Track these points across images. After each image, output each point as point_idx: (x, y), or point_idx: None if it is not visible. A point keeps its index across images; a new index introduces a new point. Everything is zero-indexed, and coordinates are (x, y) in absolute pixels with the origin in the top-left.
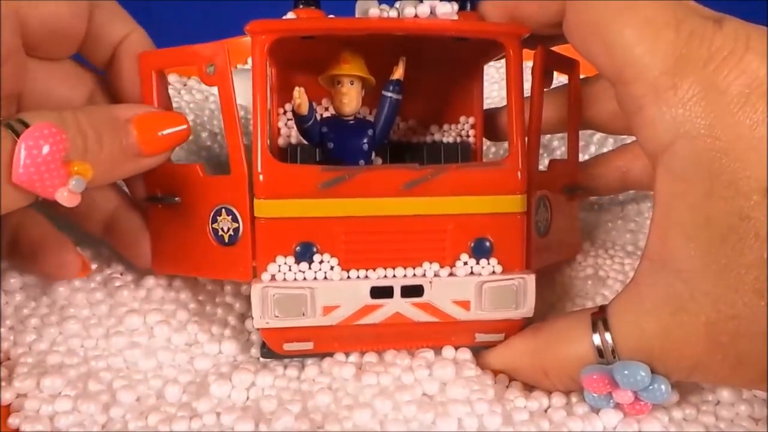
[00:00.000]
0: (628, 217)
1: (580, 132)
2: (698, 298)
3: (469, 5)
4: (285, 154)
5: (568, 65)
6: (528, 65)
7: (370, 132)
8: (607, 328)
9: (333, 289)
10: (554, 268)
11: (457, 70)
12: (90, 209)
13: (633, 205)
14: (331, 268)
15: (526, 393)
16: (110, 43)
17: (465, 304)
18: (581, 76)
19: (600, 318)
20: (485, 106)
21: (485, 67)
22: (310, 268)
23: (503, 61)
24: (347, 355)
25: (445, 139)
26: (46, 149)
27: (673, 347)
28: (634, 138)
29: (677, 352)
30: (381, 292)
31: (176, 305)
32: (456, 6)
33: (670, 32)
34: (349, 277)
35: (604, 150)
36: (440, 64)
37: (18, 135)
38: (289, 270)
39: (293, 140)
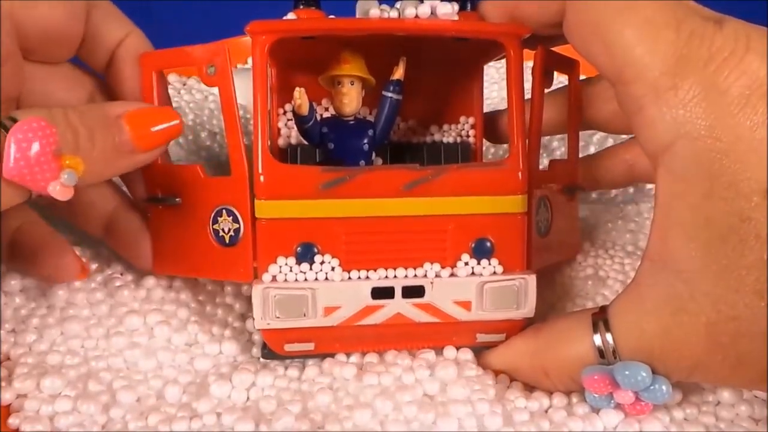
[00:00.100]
0: (628, 218)
1: (580, 132)
2: (698, 298)
3: (469, 5)
4: (285, 154)
5: (568, 65)
6: (528, 65)
7: (370, 132)
8: (607, 329)
9: (334, 290)
10: (554, 268)
11: (457, 70)
12: (89, 210)
13: (633, 205)
14: (332, 268)
15: (527, 393)
16: (108, 45)
17: (466, 305)
18: (581, 77)
19: (601, 318)
20: (485, 107)
21: (485, 67)
22: (311, 268)
23: (503, 61)
24: (348, 355)
25: (445, 140)
26: (35, 142)
27: (673, 347)
28: None
29: (677, 352)
30: (382, 293)
31: (176, 305)
32: (456, 6)
33: (670, 32)
34: (350, 278)
35: None
36: (440, 64)
37: (7, 131)
38: (290, 271)
39: (293, 141)
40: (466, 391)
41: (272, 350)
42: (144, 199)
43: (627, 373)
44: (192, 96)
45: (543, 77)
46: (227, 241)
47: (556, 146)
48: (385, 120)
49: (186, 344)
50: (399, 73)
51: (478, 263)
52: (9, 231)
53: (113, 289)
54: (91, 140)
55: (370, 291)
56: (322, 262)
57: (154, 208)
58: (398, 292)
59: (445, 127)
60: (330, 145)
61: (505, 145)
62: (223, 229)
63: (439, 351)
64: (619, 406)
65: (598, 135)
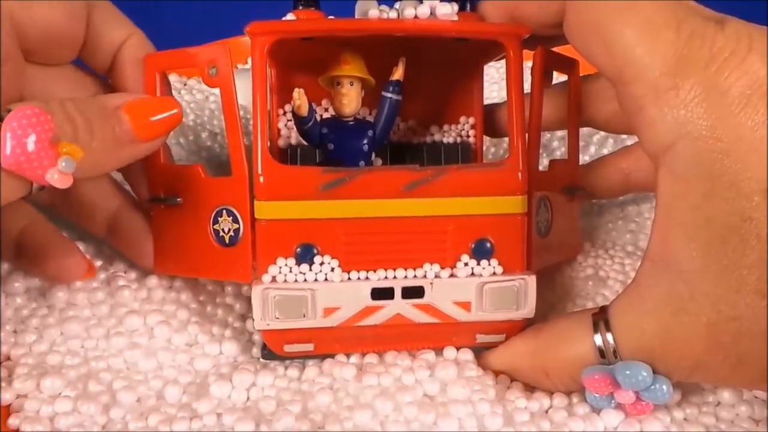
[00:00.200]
0: (629, 218)
1: (580, 132)
2: (699, 298)
3: (469, 6)
4: (285, 155)
5: (568, 65)
6: (528, 65)
7: (370, 133)
8: (608, 329)
9: (334, 291)
10: (555, 268)
11: (457, 71)
12: (93, 209)
13: (633, 205)
14: (332, 269)
15: (527, 393)
16: (110, 47)
17: (466, 305)
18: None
19: (601, 318)
20: None
21: (485, 67)
22: (310, 269)
23: (503, 61)
24: (348, 356)
25: (445, 140)
26: (30, 130)
27: (674, 347)
28: (635, 139)
29: (678, 352)
30: (382, 294)
31: (177, 306)
32: (456, 7)
33: (670, 32)
34: (349, 279)
35: (604, 150)
36: (440, 65)
37: (2, 121)
38: (290, 271)
39: (293, 141)
40: (466, 391)
41: (272, 351)
42: (147, 199)
43: (628, 372)
44: (193, 96)
45: (543, 77)
46: (227, 242)
47: (556, 146)
48: (384, 120)
49: (186, 344)
50: (398, 74)
51: (478, 264)
52: (15, 231)
53: (114, 289)
54: (89, 131)
55: (369, 292)
56: (322, 263)
57: (157, 208)
58: (398, 293)
59: (445, 127)
60: (330, 146)
61: (505, 146)
62: (223, 230)
63: (439, 351)
64: (619, 406)
65: (598, 135)
